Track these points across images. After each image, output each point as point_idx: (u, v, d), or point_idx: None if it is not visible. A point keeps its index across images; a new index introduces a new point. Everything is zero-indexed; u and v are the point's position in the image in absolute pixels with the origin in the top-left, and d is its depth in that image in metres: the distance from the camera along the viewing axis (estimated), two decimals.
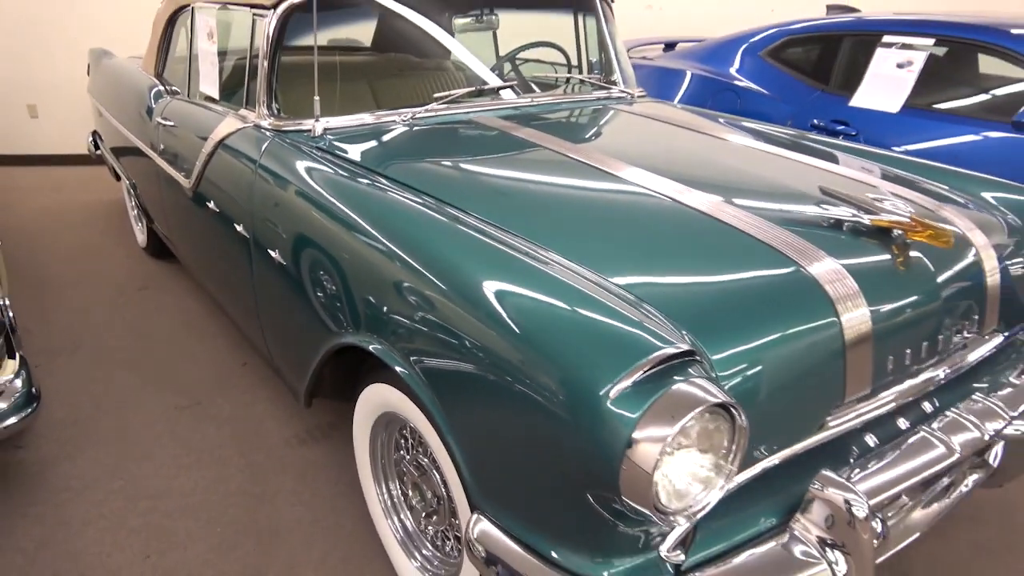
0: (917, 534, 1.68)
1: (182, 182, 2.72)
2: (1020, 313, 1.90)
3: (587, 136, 2.40)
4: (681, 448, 1.16)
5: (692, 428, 1.16)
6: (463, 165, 2.04)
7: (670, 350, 1.15)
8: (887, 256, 1.56)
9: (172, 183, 2.87)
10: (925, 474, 1.46)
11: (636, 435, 1.10)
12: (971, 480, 1.86)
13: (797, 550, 1.32)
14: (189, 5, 2.96)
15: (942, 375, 1.62)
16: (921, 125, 3.25)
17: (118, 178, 4.24)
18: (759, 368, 1.32)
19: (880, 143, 2.99)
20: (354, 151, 2.10)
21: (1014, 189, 2.12)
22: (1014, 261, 1.89)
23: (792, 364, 1.36)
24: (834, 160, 2.19)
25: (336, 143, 2.16)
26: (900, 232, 1.57)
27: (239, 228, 2.26)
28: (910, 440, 1.52)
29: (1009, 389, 1.74)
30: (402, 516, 1.91)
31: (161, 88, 3.22)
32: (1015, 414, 1.64)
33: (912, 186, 1.99)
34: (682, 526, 1.25)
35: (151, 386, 2.85)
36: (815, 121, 3.50)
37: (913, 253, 1.59)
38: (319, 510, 2.21)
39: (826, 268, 1.46)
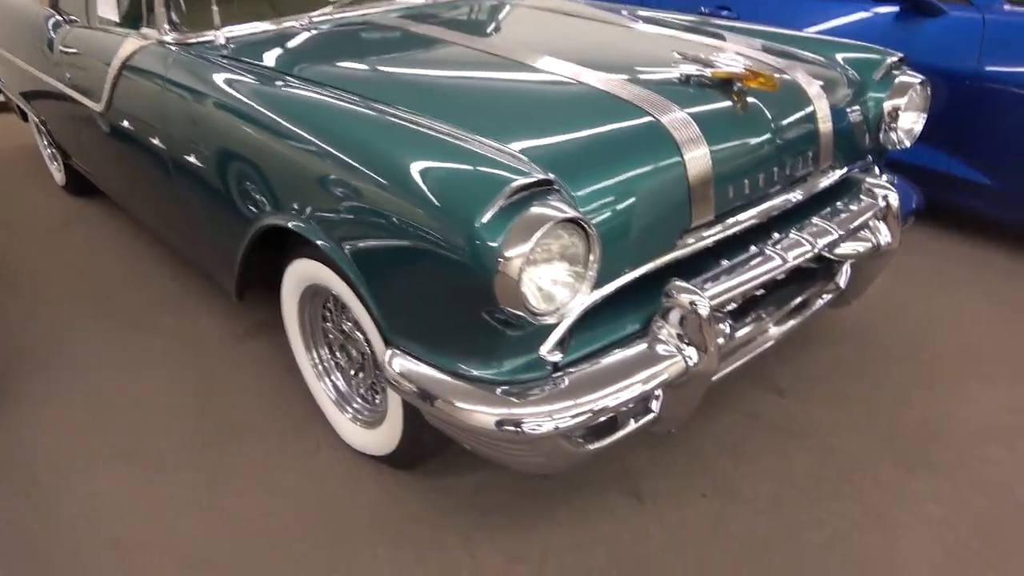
0: (772, 342, 2.01)
1: (93, 108, 2.79)
2: (856, 152, 2.20)
3: (484, 29, 2.56)
4: (545, 260, 1.41)
5: (552, 242, 1.40)
6: (365, 61, 2.19)
7: (525, 180, 1.38)
8: (728, 103, 1.81)
9: (84, 112, 2.94)
10: (761, 280, 1.75)
11: (503, 252, 1.34)
12: (823, 299, 2.20)
13: (657, 348, 1.61)
14: None
15: (782, 203, 1.91)
16: (794, 5, 3.50)
17: (26, 119, 4.21)
18: (616, 200, 1.57)
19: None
20: (257, 55, 2.23)
21: (859, 49, 2.40)
22: (851, 108, 2.18)
23: (644, 196, 1.61)
24: (705, 34, 2.42)
25: (239, 50, 2.28)
26: (739, 82, 1.82)
27: (155, 141, 2.39)
28: (751, 255, 1.81)
29: (844, 214, 2.04)
30: (333, 378, 2.15)
31: (59, 18, 3.22)
32: (843, 232, 1.94)
33: (763, 48, 2.24)
34: (558, 329, 1.52)
35: (94, 313, 2.99)
36: (702, 9, 3.71)
37: (752, 101, 1.85)
38: (266, 390, 2.43)
39: (673, 117, 1.71)
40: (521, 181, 1.38)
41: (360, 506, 1.97)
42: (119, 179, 3.05)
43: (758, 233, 1.93)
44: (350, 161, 1.62)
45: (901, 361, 2.50)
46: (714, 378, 1.87)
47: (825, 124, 2.00)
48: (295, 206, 1.80)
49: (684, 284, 1.62)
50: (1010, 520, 1.88)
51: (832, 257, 2.06)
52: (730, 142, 1.76)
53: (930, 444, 2.14)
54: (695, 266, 1.78)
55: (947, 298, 2.87)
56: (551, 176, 1.45)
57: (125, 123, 2.59)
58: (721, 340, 1.74)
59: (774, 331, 2.04)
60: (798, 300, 2.16)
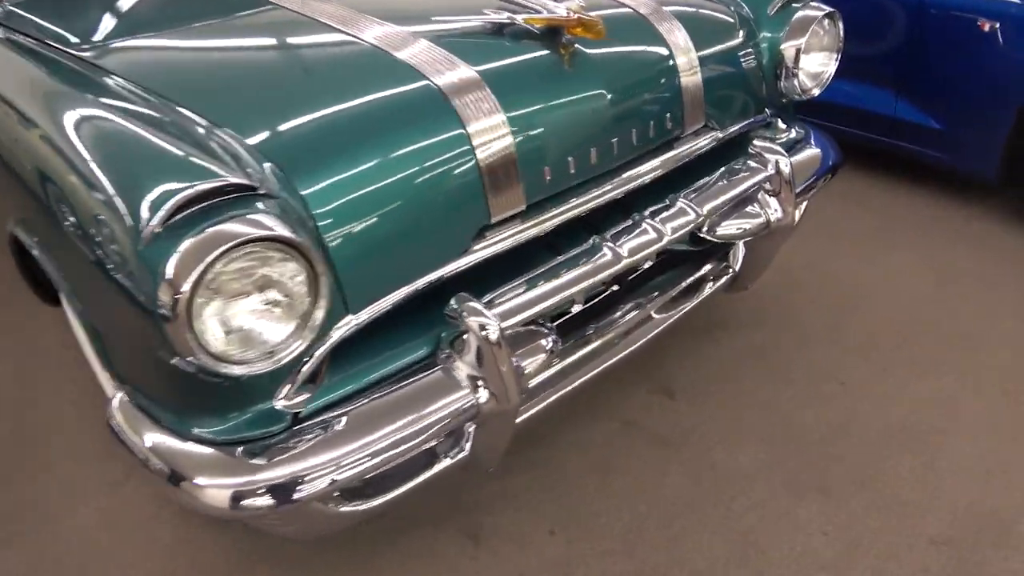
0: (657, 331, 1.69)
1: None
2: (748, 106, 1.81)
3: None
4: (240, 292, 1.07)
5: (255, 266, 1.06)
6: (142, 28, 1.78)
7: (204, 186, 1.03)
8: (546, 58, 1.43)
9: None
10: (584, 285, 1.39)
11: (169, 283, 1.00)
12: (715, 284, 1.86)
13: (442, 381, 1.28)
14: None
15: (633, 178, 1.53)
16: None
17: None
18: (373, 196, 1.21)
19: None
20: (23, 19, 1.84)
21: None
22: (739, 54, 1.78)
23: (415, 186, 1.24)
24: None
25: (9, 14, 1.89)
26: (563, 31, 1.42)
27: None
28: (580, 253, 1.44)
29: (720, 184, 1.66)
30: None
31: None
32: (706, 213, 1.57)
33: None
34: (303, 374, 1.19)
35: None
36: None
37: (584, 53, 1.46)
38: (85, 407, 2.13)
39: (455, 79, 1.31)
40: (198, 189, 1.03)
41: (145, 556, 1.68)
42: None
43: (618, 213, 1.57)
44: (48, 157, 1.27)
45: (819, 347, 2.15)
46: (561, 394, 1.57)
47: (691, 77, 1.61)
48: (18, 210, 1.46)
49: (471, 302, 1.26)
50: (910, 554, 1.56)
51: (711, 239, 1.70)
52: (541, 108, 1.38)
53: (830, 456, 1.80)
54: (530, 258, 1.43)
55: (885, 264, 2.50)
56: (280, 180, 1.10)
57: None
58: (538, 360, 1.40)
59: (660, 317, 1.71)
60: (683, 285, 1.83)
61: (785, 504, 1.69)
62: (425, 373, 1.29)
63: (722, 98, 1.72)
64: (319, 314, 1.12)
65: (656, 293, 1.78)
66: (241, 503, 1.15)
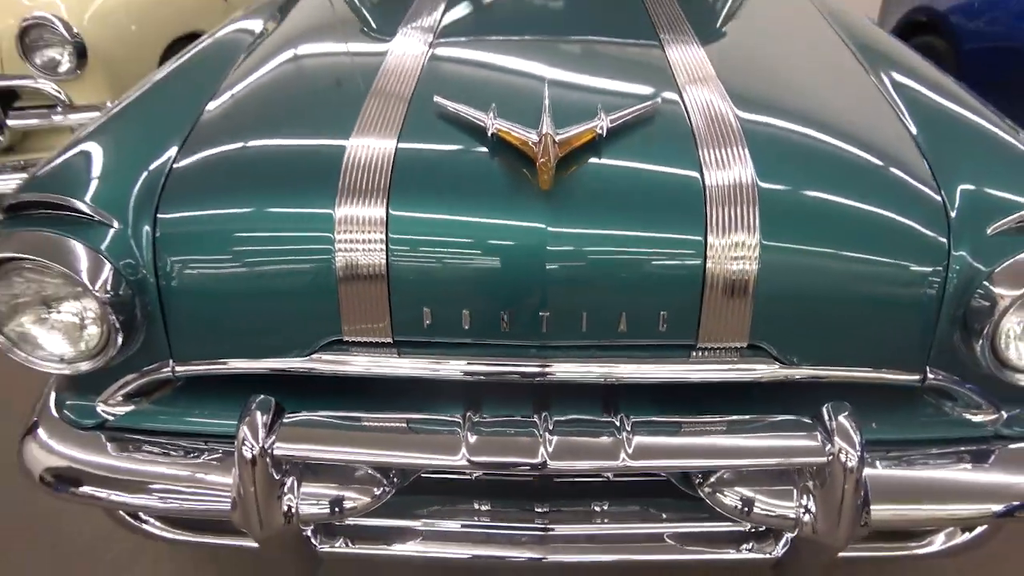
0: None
1: None
2: (897, 356, 1.17)
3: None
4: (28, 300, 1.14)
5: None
6: None
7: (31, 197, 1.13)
8: (502, 174, 1.14)
9: None
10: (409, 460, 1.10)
11: None
12: (750, 552, 1.32)
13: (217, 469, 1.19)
14: None
15: (568, 374, 1.14)
16: None
17: None
18: (223, 249, 1.15)
19: None
20: None
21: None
22: (897, 273, 1.15)
23: (267, 257, 1.15)
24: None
25: None
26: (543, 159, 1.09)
27: None
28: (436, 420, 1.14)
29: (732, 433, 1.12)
30: None
31: None
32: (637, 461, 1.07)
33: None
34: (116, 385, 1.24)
35: None
36: None
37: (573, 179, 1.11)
38: None
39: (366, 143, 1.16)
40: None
41: None
42: None
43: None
44: None
45: None
46: None
47: (735, 264, 1.08)
48: None
49: (258, 410, 1.11)
50: None
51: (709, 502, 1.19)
52: (447, 225, 1.12)
53: None
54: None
55: None
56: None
57: None
58: (349, 503, 1.17)
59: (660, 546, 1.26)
60: (701, 527, 1.33)
61: None
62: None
63: (810, 318, 1.14)
64: (110, 351, 1.14)
65: (669, 513, 1.33)
66: (27, 465, 1.25)
